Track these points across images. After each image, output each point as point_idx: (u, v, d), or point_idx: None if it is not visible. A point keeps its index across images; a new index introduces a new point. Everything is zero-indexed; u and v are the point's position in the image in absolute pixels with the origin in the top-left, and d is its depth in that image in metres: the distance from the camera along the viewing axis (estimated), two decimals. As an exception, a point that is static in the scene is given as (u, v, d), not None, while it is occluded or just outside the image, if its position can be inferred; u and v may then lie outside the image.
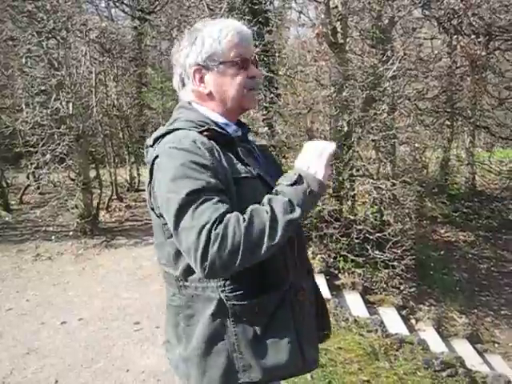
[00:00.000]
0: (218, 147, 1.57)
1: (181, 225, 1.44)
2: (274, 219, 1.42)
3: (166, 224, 1.54)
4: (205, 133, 1.58)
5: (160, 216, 1.59)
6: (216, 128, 1.62)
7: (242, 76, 1.66)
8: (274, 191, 1.52)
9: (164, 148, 1.55)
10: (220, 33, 1.64)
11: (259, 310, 1.58)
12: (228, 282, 1.56)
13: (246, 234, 1.39)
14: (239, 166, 1.59)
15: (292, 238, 1.63)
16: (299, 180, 1.51)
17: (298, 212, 1.46)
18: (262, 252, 1.42)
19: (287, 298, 1.62)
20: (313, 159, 1.57)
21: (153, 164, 1.58)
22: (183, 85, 1.73)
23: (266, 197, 1.49)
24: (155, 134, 1.66)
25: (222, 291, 1.57)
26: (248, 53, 1.68)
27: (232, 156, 1.60)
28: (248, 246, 1.40)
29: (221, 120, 1.69)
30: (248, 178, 1.58)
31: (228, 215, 1.42)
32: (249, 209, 1.45)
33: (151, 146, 1.66)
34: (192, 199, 1.44)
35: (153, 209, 1.62)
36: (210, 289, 1.58)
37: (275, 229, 1.42)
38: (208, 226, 1.39)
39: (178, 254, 1.58)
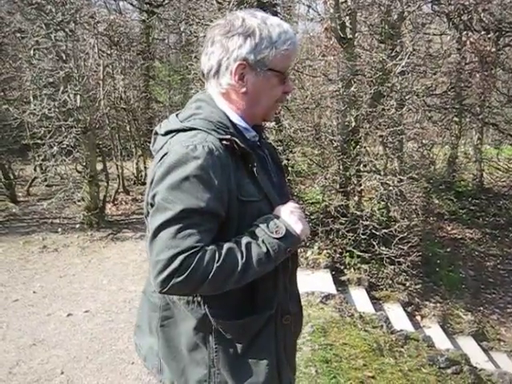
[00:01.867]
0: (232, 159, 1.48)
1: (159, 236, 1.40)
2: (246, 267, 1.42)
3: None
4: (224, 141, 1.48)
5: (147, 214, 1.54)
6: (237, 140, 1.49)
7: (279, 89, 1.60)
8: (253, 231, 1.49)
9: (176, 148, 1.45)
10: (279, 38, 1.53)
11: (243, 330, 1.56)
12: (215, 299, 1.52)
13: (215, 273, 1.39)
14: (249, 186, 1.52)
15: (286, 263, 1.61)
16: (285, 237, 1.48)
17: (271, 266, 1.47)
18: (224, 290, 1.45)
19: (272, 320, 1.59)
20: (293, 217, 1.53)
21: (161, 161, 1.48)
22: (217, 72, 1.56)
23: (245, 239, 1.46)
24: (168, 127, 1.57)
25: (209, 307, 1.53)
26: (292, 65, 1.66)
27: (244, 172, 1.52)
28: (213, 283, 1.41)
29: (242, 123, 1.59)
30: (255, 201, 1.52)
31: (206, 248, 1.40)
32: (225, 247, 1.42)
33: (162, 135, 1.58)
34: (182, 217, 1.40)
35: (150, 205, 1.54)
36: (196, 303, 1.54)
37: (244, 276, 1.43)
38: (186, 254, 1.37)
39: None
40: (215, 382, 1.57)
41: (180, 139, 1.48)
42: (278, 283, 1.60)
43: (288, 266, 1.63)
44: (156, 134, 1.63)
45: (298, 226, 1.51)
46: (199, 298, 1.53)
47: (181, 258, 1.36)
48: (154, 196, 1.47)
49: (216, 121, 1.52)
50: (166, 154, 1.47)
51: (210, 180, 1.42)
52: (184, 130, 1.51)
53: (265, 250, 1.45)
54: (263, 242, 1.46)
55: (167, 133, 1.56)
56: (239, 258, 1.42)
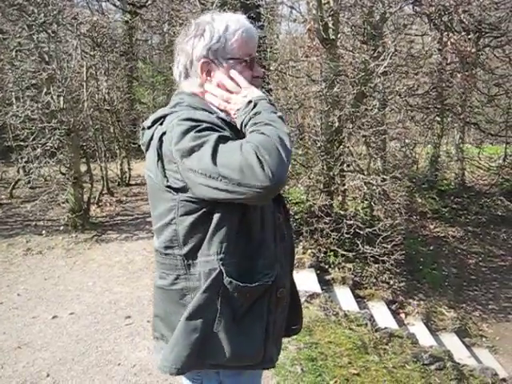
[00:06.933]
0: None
1: (218, 160, 1.39)
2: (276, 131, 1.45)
3: (185, 201, 1.52)
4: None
5: (178, 190, 1.52)
6: (224, 117, 1.60)
7: (248, 75, 1.66)
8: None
9: (173, 123, 1.50)
10: (229, 29, 1.63)
11: (250, 295, 1.57)
12: (229, 256, 1.53)
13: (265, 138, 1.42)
14: None
15: (281, 234, 1.67)
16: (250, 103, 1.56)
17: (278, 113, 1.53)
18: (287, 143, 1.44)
19: (268, 291, 1.61)
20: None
21: (160, 141, 1.52)
22: (186, 75, 1.68)
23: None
24: (154, 116, 1.63)
25: (223, 264, 1.53)
26: (254, 52, 1.69)
27: None
28: (277, 140, 1.42)
29: (221, 114, 1.64)
30: None
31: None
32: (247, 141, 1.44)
33: (149, 128, 1.62)
34: (221, 141, 1.43)
35: (169, 186, 1.53)
36: (211, 263, 1.54)
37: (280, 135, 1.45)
38: (251, 147, 1.40)
39: (190, 231, 1.55)
40: (209, 347, 1.57)
41: (171, 119, 1.54)
42: (276, 254, 1.63)
43: (284, 238, 1.70)
44: (143, 129, 1.68)
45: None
46: (213, 257, 1.54)
47: (251, 151, 1.39)
48: (188, 161, 1.46)
49: (199, 107, 1.61)
50: (164, 133, 1.52)
51: (220, 126, 1.52)
52: (171, 114, 1.58)
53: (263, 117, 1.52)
54: (257, 114, 1.53)
55: (154, 122, 1.62)
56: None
